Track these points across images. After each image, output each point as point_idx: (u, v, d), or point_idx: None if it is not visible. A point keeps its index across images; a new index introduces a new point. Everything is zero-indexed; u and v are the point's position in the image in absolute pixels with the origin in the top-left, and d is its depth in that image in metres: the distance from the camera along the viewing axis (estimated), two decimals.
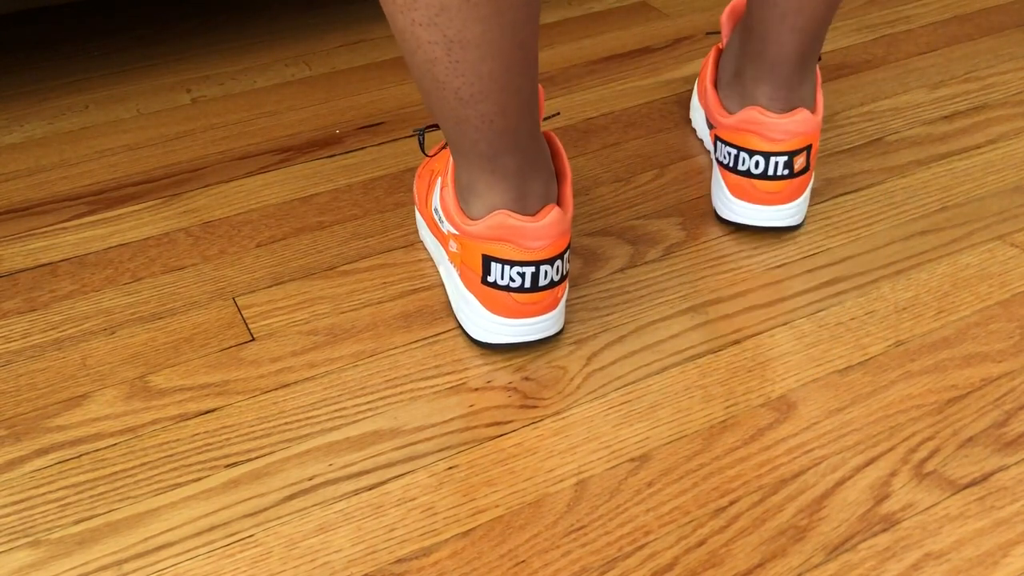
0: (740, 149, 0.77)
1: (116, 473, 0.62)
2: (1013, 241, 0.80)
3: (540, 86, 0.68)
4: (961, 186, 0.87)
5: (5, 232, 0.84)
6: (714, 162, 0.82)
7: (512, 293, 0.66)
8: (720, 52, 0.88)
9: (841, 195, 0.86)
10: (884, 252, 0.79)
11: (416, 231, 0.83)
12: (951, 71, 1.05)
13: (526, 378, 0.69)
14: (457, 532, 0.58)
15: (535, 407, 0.66)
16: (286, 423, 0.66)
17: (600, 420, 0.65)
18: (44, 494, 0.61)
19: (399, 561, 0.57)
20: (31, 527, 0.59)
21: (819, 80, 0.80)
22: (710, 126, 0.85)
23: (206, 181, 0.90)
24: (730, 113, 0.81)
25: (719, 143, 0.80)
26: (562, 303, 0.69)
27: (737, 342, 0.71)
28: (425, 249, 0.81)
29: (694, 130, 0.96)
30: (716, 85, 0.86)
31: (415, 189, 0.81)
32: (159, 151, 0.95)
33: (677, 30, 1.15)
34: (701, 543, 0.57)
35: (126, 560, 0.57)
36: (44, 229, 0.85)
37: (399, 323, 0.74)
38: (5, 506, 0.61)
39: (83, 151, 0.96)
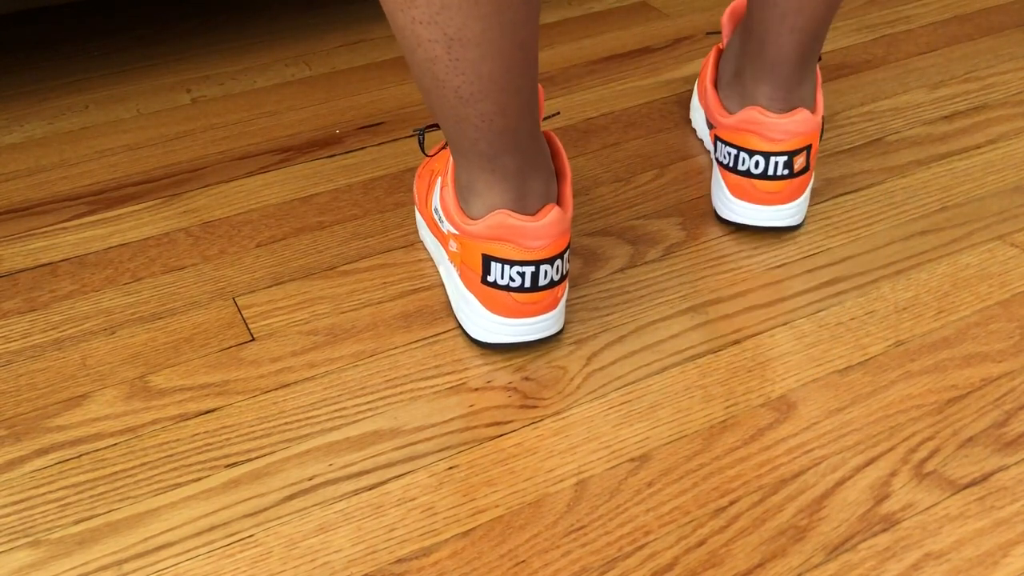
0: (740, 149, 0.77)
1: (116, 473, 0.62)
2: (1013, 241, 0.80)
3: (540, 86, 0.68)
4: (961, 186, 0.87)
5: (5, 232, 0.85)
6: (714, 162, 0.82)
7: (512, 293, 0.66)
8: (720, 52, 0.88)
9: (841, 195, 0.86)
10: (884, 252, 0.79)
11: (416, 231, 0.83)
12: (951, 71, 1.05)
13: (526, 378, 0.69)
14: (457, 532, 0.58)
15: (535, 407, 0.66)
16: (286, 423, 0.66)
17: (600, 420, 0.65)
18: (44, 494, 0.61)
19: (399, 561, 0.57)
20: (31, 527, 0.59)
21: (819, 80, 0.80)
22: (710, 126, 0.85)
23: (206, 181, 0.90)
24: (730, 113, 0.81)
25: (719, 143, 0.80)
26: (562, 303, 0.69)
27: (737, 342, 0.71)
28: (425, 249, 0.81)
29: (694, 130, 0.96)
30: (716, 85, 0.86)
31: (415, 189, 0.81)
32: (159, 151, 0.95)
33: (677, 30, 1.15)
34: (701, 543, 0.57)
35: (126, 560, 0.57)
36: (44, 229, 0.85)
37: (399, 323, 0.74)
38: (5, 506, 0.60)
39: (83, 151, 0.96)
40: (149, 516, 0.60)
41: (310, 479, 0.62)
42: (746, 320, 0.73)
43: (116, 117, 1.01)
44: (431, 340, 0.72)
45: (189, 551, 0.58)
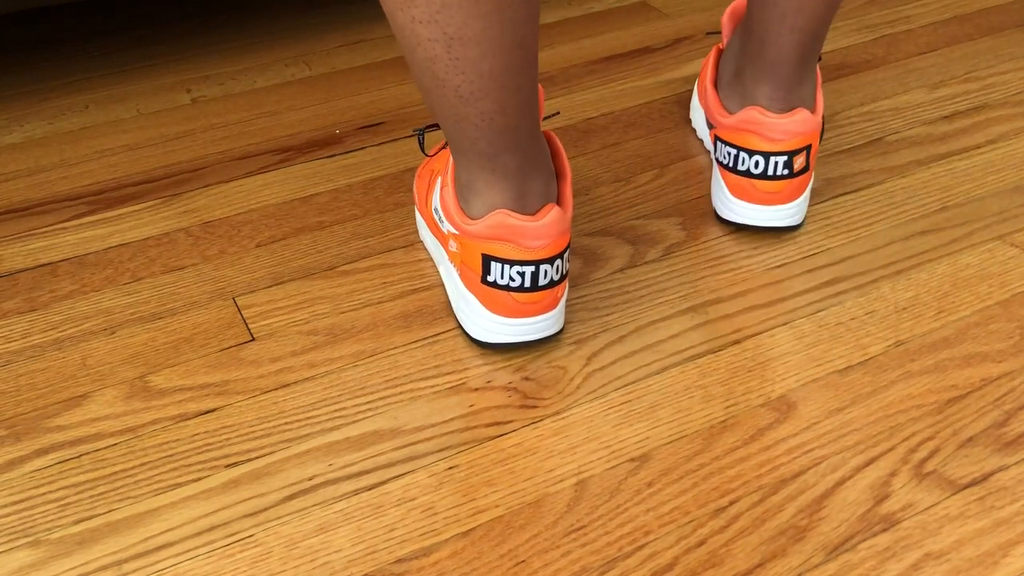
0: (740, 149, 0.77)
1: (116, 473, 0.62)
2: (1013, 241, 0.80)
3: (540, 85, 0.68)
4: (961, 186, 0.87)
5: (5, 232, 0.84)
6: (714, 162, 0.82)
7: (512, 292, 0.66)
8: (720, 52, 0.88)
9: (841, 195, 0.86)
10: (884, 252, 0.79)
11: (416, 231, 0.83)
12: (951, 71, 1.05)
13: (526, 378, 0.69)
14: (457, 532, 0.58)
15: (535, 407, 0.66)
16: (286, 423, 0.66)
17: (600, 420, 0.65)
18: (44, 494, 0.61)
19: (399, 561, 0.57)
20: (31, 527, 0.59)
21: (819, 80, 0.80)
22: (710, 126, 0.85)
23: (206, 181, 0.90)
24: (730, 113, 0.81)
25: (719, 143, 0.80)
26: (562, 303, 0.69)
27: (737, 342, 0.71)
28: (425, 249, 0.81)
29: (694, 130, 0.96)
30: (716, 85, 0.86)
31: (415, 189, 0.81)
32: (159, 151, 0.95)
33: (677, 30, 1.15)
34: (701, 543, 0.57)
35: (126, 560, 0.57)
36: (44, 229, 0.85)
37: (399, 323, 0.74)
38: (5, 506, 0.60)
39: (83, 151, 0.96)
40: (149, 516, 0.60)
41: (310, 479, 0.62)
42: (746, 320, 0.73)
43: (116, 117, 1.01)
44: (431, 340, 0.72)
45: (189, 551, 0.58)
